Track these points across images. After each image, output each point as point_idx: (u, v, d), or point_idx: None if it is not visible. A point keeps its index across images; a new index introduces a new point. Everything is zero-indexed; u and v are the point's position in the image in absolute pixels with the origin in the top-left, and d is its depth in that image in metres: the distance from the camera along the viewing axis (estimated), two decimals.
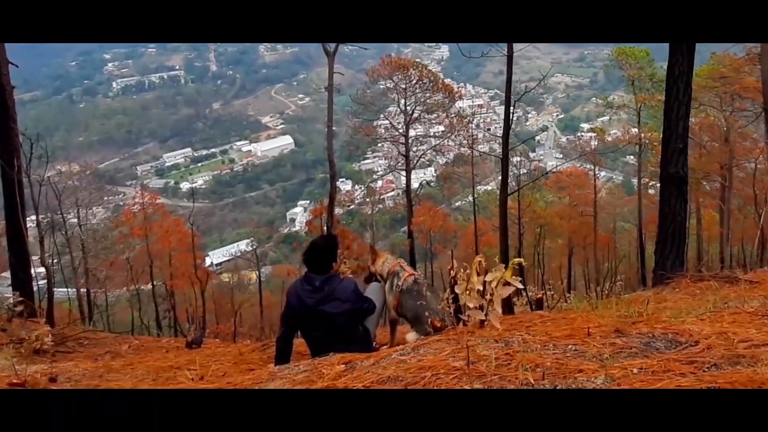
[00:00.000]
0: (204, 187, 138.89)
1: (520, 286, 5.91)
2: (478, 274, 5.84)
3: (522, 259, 6.51)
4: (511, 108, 16.71)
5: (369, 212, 55.40)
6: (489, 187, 62.37)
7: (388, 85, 41.48)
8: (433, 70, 54.44)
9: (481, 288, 5.81)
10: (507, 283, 5.72)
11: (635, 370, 4.08)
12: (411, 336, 7.91)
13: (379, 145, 48.28)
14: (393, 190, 74.87)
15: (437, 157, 49.45)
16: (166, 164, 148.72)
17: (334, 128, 28.85)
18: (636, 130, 41.58)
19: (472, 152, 43.78)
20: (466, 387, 3.97)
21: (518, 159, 44.93)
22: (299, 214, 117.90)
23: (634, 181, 50.72)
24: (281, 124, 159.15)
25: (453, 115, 43.23)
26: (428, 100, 41.28)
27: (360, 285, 8.74)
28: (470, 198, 50.98)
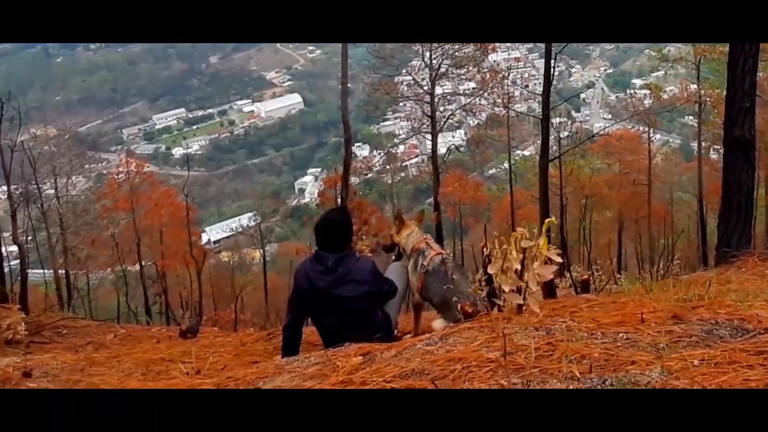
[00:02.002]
0: (200, 153, 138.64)
1: (559, 259, 5.89)
2: (518, 252, 5.82)
3: (554, 219, 6.43)
4: (552, 61, 16.64)
5: (389, 182, 55.33)
6: (527, 153, 61.98)
7: None
8: None
9: (519, 267, 5.79)
10: (548, 262, 5.72)
11: (696, 362, 4.06)
12: (438, 323, 7.77)
13: (401, 104, 48.00)
14: (417, 156, 74.78)
15: (467, 118, 49.14)
16: (156, 127, 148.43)
17: (349, 85, 28.68)
18: (695, 86, 41.13)
19: (507, 112, 43.45)
20: (503, 381, 3.96)
21: (560, 120, 44.65)
22: (309, 184, 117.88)
23: (694, 145, 50.43)
24: (288, 80, 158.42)
25: (485, 70, 42.90)
26: (457, 53, 40.86)
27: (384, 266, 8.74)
28: (505, 165, 50.75)
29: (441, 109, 41.30)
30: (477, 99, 43.88)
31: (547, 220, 6.00)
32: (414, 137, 51.60)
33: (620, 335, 4.73)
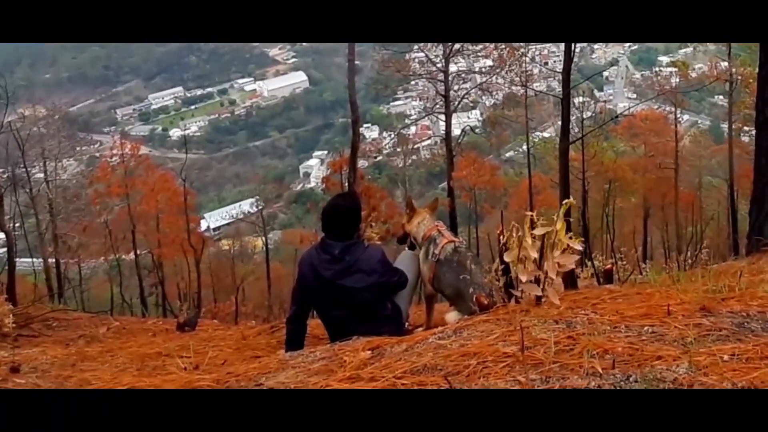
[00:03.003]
0: (198, 134, 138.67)
1: (580, 248, 5.88)
2: (533, 238, 5.80)
3: (573, 200, 6.39)
4: None
5: (400, 165, 55.28)
6: (546, 134, 61.72)
7: None
8: None
9: (536, 256, 5.78)
10: (569, 250, 5.71)
11: (725, 357, 4.05)
12: (451, 316, 7.71)
13: (413, 82, 48.06)
14: (429, 138, 74.78)
15: (483, 97, 49.19)
16: (152, 107, 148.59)
17: (357, 62, 28.70)
18: (726, 63, 41.01)
19: (525, 91, 43.40)
20: (520, 378, 3.96)
21: (582, 99, 44.44)
22: (315, 168, 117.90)
23: (724, 126, 50.30)
24: (293, 57, 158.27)
25: (503, 47, 42.89)
26: None
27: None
28: (524, 147, 50.65)
29: (455, 87, 41.32)
30: (494, 77, 43.88)
31: (565, 202, 5.98)
32: (426, 118, 51.61)
33: (645, 329, 4.73)
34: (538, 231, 5.69)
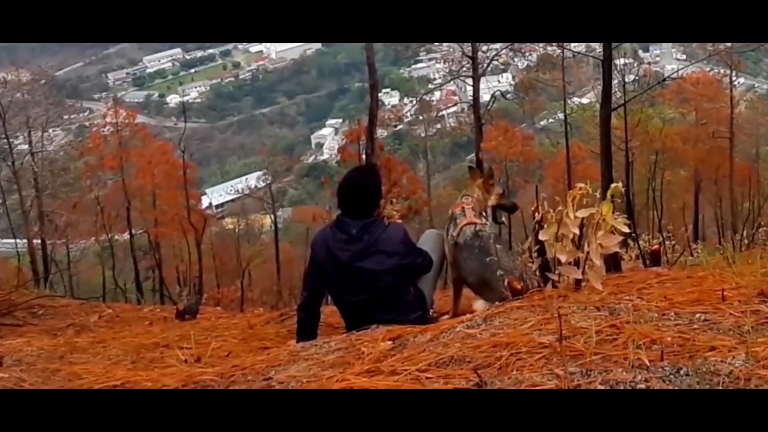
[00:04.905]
0: (199, 101, 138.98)
1: (627, 230, 5.86)
2: (575, 215, 5.75)
3: (621, 184, 6.34)
4: None
5: (423, 135, 55.29)
6: (585, 100, 61.64)
7: None
8: None
9: (577, 233, 5.75)
10: (613, 231, 5.69)
11: None
12: (479, 305, 7.60)
13: (437, 43, 47.96)
14: (455, 105, 74.52)
15: (515, 59, 49.12)
16: (148, 71, 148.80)
17: None
18: None
19: (562, 53, 43.21)
20: (558, 370, 3.94)
21: (625, 61, 44.29)
22: (328, 138, 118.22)
23: None
24: None
25: None
26: None
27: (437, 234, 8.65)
28: (560, 115, 50.57)
29: (484, 48, 41.20)
30: None
31: (612, 186, 5.95)
32: (452, 82, 51.39)
33: (697, 316, 4.72)
34: (582, 213, 5.65)
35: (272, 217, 54.12)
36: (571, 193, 5.71)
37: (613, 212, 5.78)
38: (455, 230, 7.96)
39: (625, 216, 6.21)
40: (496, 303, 6.40)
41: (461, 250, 7.91)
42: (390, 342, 5.31)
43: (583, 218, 5.70)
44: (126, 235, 46.01)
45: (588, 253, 5.66)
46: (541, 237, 6.02)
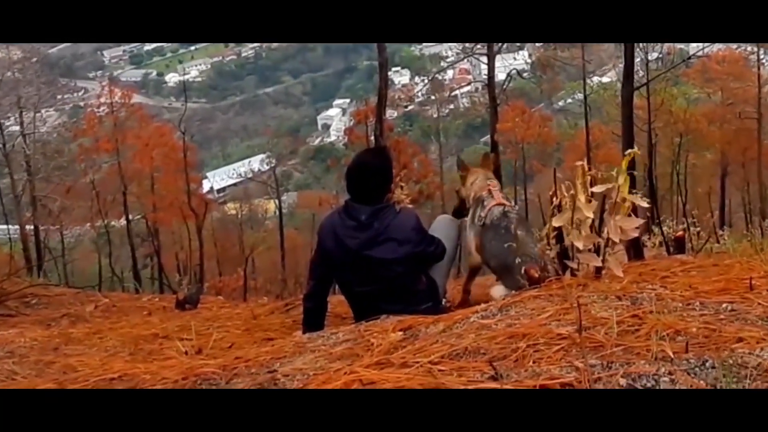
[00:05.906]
0: (199, 80, 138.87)
1: (645, 204, 5.85)
2: (591, 197, 5.74)
3: (637, 150, 6.29)
4: None
5: (435, 116, 55.21)
6: (606, 79, 61.47)
7: None
8: None
9: (591, 216, 5.72)
10: (633, 214, 5.68)
11: None
12: (497, 291, 7.47)
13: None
14: (469, 84, 74.42)
15: None
16: (145, 48, 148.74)
17: None
18: None
19: None
20: (577, 363, 3.94)
21: None
22: (335, 119, 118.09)
23: None
24: None
25: None
26: None
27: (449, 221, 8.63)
28: (579, 95, 50.50)
29: None
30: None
31: (628, 152, 5.93)
32: (465, 60, 51.33)
33: (723, 306, 4.72)
34: (598, 188, 5.63)
35: (276, 202, 54.00)
36: (576, 172, 5.70)
37: (633, 188, 5.77)
38: (483, 211, 7.88)
39: (649, 200, 6.19)
40: (513, 292, 6.40)
41: (487, 231, 7.82)
42: (401, 333, 5.30)
43: (602, 202, 5.69)
44: (123, 221, 45.94)
45: (608, 239, 5.65)
46: (554, 223, 6.03)
